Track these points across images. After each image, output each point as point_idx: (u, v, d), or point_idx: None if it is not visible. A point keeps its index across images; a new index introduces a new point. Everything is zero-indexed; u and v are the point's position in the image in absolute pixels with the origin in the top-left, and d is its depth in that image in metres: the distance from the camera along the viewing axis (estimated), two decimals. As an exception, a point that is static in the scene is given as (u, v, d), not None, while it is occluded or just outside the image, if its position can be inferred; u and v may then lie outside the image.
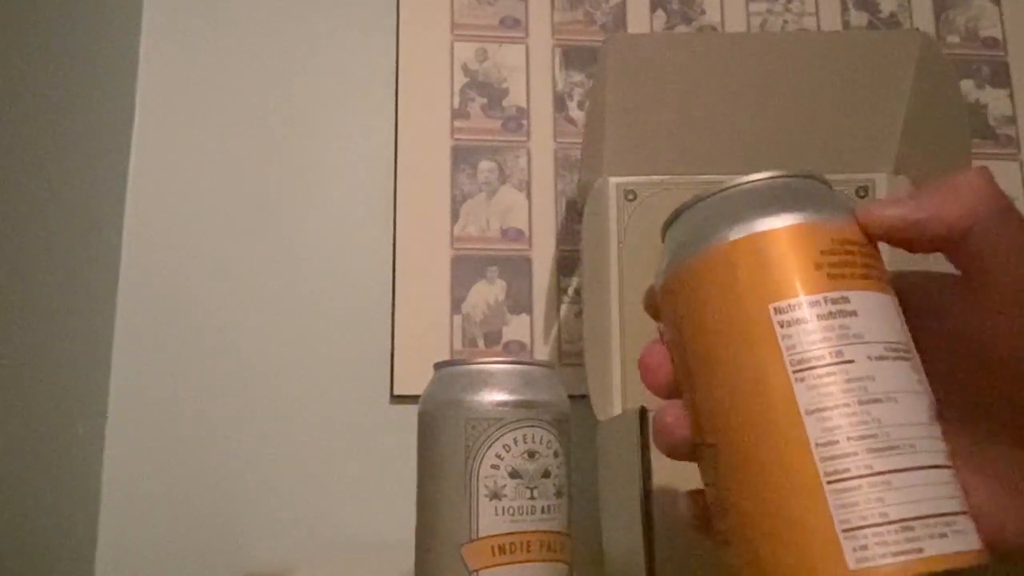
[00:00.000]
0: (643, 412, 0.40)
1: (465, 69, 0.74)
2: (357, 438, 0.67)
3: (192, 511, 0.65)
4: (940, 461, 0.22)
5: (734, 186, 0.26)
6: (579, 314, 0.70)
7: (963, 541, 0.21)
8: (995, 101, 0.77)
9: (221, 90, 0.73)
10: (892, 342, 0.23)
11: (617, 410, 0.50)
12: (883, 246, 0.26)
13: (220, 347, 0.68)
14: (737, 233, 0.24)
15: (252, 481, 0.66)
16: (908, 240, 0.25)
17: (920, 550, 0.21)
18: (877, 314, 0.23)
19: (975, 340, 0.25)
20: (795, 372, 0.23)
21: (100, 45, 0.66)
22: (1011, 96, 0.77)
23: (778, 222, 0.24)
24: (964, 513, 0.22)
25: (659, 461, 0.42)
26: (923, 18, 0.79)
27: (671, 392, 0.27)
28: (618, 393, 0.50)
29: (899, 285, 0.25)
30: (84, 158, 0.62)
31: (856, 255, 0.24)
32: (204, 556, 0.64)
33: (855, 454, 0.21)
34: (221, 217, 0.70)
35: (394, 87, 0.73)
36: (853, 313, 0.23)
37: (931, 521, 0.21)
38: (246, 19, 0.74)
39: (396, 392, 0.68)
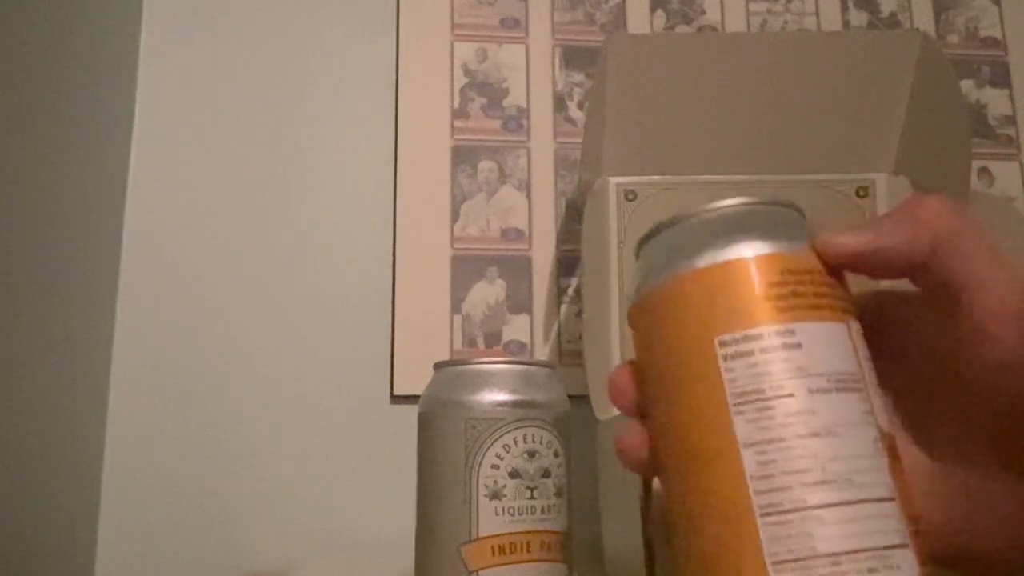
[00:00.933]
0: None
1: (465, 69, 0.74)
2: (357, 438, 0.67)
3: (192, 511, 0.65)
4: (879, 494, 0.22)
5: (695, 214, 0.26)
6: (579, 314, 0.70)
7: None
8: (995, 101, 0.77)
9: (221, 90, 0.73)
10: (838, 373, 0.23)
11: (617, 410, 0.50)
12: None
13: (220, 347, 0.68)
14: (691, 265, 0.25)
15: (252, 481, 0.66)
16: (869, 268, 0.25)
17: None
18: (824, 346, 0.23)
19: (955, 358, 0.25)
20: (735, 405, 0.23)
21: (100, 45, 0.66)
22: (1011, 96, 0.77)
23: (730, 254, 0.24)
24: (902, 546, 0.21)
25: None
26: (923, 18, 0.79)
27: (637, 412, 0.27)
28: (618, 393, 0.50)
29: (877, 303, 0.26)
30: (84, 157, 0.62)
31: (808, 285, 0.24)
32: (204, 556, 0.64)
33: (789, 488, 0.22)
34: (221, 217, 0.70)
35: (394, 87, 0.73)
36: (797, 346, 0.23)
37: (861, 555, 0.21)
38: (246, 19, 0.74)
39: (396, 392, 0.68)
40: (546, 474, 0.36)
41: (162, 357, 0.67)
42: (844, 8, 0.78)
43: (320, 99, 0.73)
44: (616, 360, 0.51)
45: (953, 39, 0.78)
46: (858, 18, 0.78)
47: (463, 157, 0.72)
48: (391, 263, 0.70)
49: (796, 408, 0.22)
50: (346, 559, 0.58)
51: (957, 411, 0.25)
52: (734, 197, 0.26)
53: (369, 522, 0.66)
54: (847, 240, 0.25)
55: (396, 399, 0.68)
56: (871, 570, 0.21)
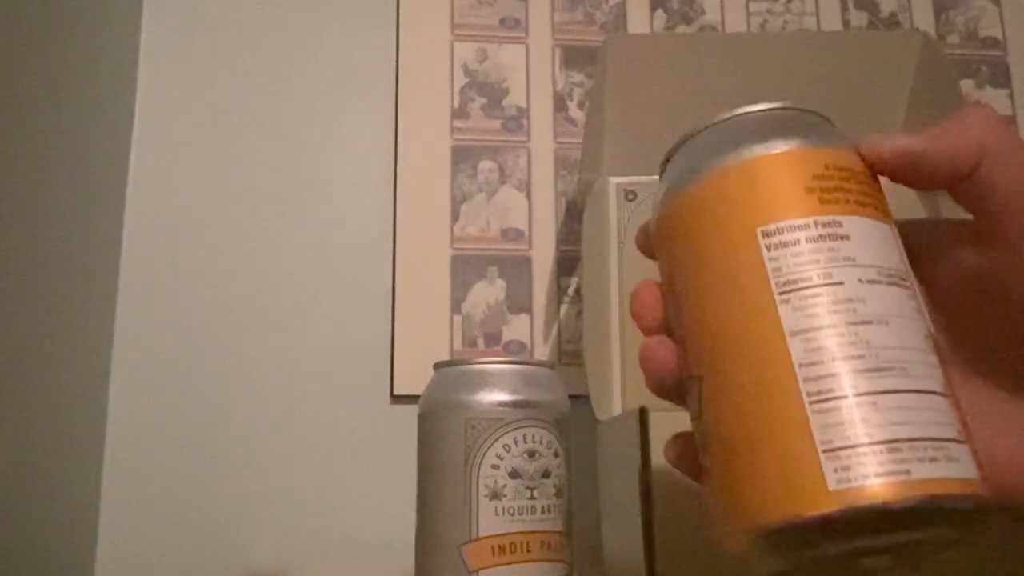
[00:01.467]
0: (643, 412, 0.40)
1: (465, 69, 0.74)
2: (357, 438, 0.67)
3: (192, 511, 0.65)
4: (935, 387, 0.21)
5: (729, 118, 0.26)
6: (579, 314, 0.70)
7: (956, 468, 0.20)
8: (995, 101, 0.77)
9: (221, 91, 0.73)
10: (887, 267, 0.22)
11: (617, 410, 0.50)
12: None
13: (220, 347, 0.68)
14: (727, 161, 0.24)
15: (252, 481, 0.66)
16: (913, 173, 0.24)
17: (907, 472, 0.20)
18: (871, 240, 0.23)
19: (992, 282, 0.24)
20: (780, 294, 0.22)
21: (100, 45, 0.66)
22: (1011, 96, 0.77)
23: (770, 149, 0.24)
24: (960, 442, 0.20)
25: (659, 461, 0.42)
26: (923, 18, 0.79)
27: (662, 331, 0.26)
28: (618, 393, 0.50)
29: (907, 232, 0.25)
30: (84, 157, 0.62)
31: (852, 182, 0.23)
32: (204, 556, 0.64)
33: (840, 374, 0.21)
34: (221, 217, 0.70)
35: (394, 87, 0.73)
36: (845, 237, 0.22)
37: (920, 444, 0.20)
38: (246, 20, 0.74)
39: (396, 392, 0.68)
40: (546, 474, 0.36)
41: (162, 357, 0.67)
42: (844, 8, 0.78)
43: (320, 99, 0.73)
44: (616, 360, 0.51)
45: (953, 39, 0.78)
46: (858, 18, 0.78)
47: (463, 157, 0.72)
48: (391, 263, 0.70)
49: (846, 295, 0.22)
50: (346, 559, 0.58)
51: (998, 338, 0.24)
52: (767, 102, 0.25)
53: (369, 522, 0.66)
54: (897, 142, 0.24)
55: (396, 399, 0.68)
56: (931, 459, 0.20)
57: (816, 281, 0.22)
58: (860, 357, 0.21)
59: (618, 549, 0.47)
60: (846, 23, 0.78)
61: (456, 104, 0.73)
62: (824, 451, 0.20)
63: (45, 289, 0.56)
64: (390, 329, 0.69)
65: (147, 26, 0.73)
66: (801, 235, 0.23)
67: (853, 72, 0.55)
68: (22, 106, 0.52)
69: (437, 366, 0.39)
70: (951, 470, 0.20)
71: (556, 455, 0.37)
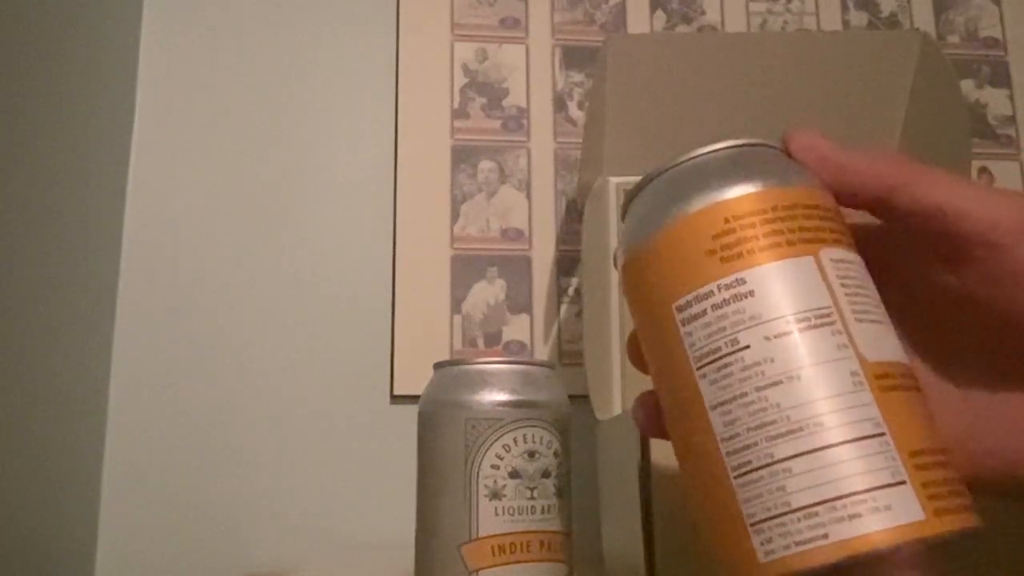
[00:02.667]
0: (643, 412, 0.40)
1: (465, 69, 0.74)
2: (357, 438, 0.67)
3: (192, 511, 0.65)
4: (857, 433, 0.20)
5: (646, 181, 0.26)
6: (579, 314, 0.70)
7: (884, 518, 0.19)
8: (995, 101, 0.77)
9: (221, 91, 0.73)
10: (799, 312, 0.21)
11: (617, 410, 0.50)
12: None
13: (220, 347, 0.68)
14: (646, 233, 0.24)
15: (252, 481, 0.66)
16: (837, 180, 0.24)
17: (825, 536, 0.19)
18: (781, 286, 0.22)
19: (949, 278, 0.24)
20: (698, 369, 0.22)
21: (100, 45, 0.66)
22: (1011, 96, 0.77)
23: (674, 216, 0.23)
24: (895, 484, 0.20)
25: (659, 461, 0.42)
26: (923, 18, 0.79)
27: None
28: (618, 393, 0.50)
29: (865, 235, 0.25)
30: (84, 157, 0.62)
31: (757, 227, 0.22)
32: (204, 556, 0.64)
33: (756, 444, 0.21)
34: (221, 217, 0.70)
35: (394, 87, 0.73)
36: (749, 294, 0.22)
37: (839, 503, 0.19)
38: (246, 20, 0.74)
39: (396, 392, 0.68)
40: (546, 474, 0.36)
41: (162, 357, 0.67)
42: (844, 8, 0.78)
43: (320, 99, 0.73)
44: (616, 360, 0.51)
45: (953, 39, 0.78)
46: (858, 18, 0.78)
47: (463, 157, 0.72)
48: (391, 263, 0.70)
49: (753, 359, 0.21)
50: (346, 559, 0.58)
51: (970, 330, 0.24)
52: (685, 154, 0.25)
53: (369, 522, 0.66)
54: (822, 144, 0.25)
55: (396, 399, 0.68)
56: (853, 516, 0.19)
57: (724, 350, 0.22)
58: (772, 423, 0.21)
59: (618, 549, 0.47)
60: (846, 23, 0.78)
61: (456, 104, 0.73)
62: (751, 524, 0.20)
63: (45, 289, 0.56)
64: (390, 329, 0.69)
65: (147, 26, 0.73)
66: (707, 304, 0.22)
67: (853, 72, 0.55)
68: (22, 106, 0.52)
69: (437, 366, 0.39)
70: (877, 522, 0.19)
71: (556, 455, 0.36)
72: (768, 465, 0.20)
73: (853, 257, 0.23)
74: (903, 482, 0.20)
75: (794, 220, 0.23)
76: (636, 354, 0.27)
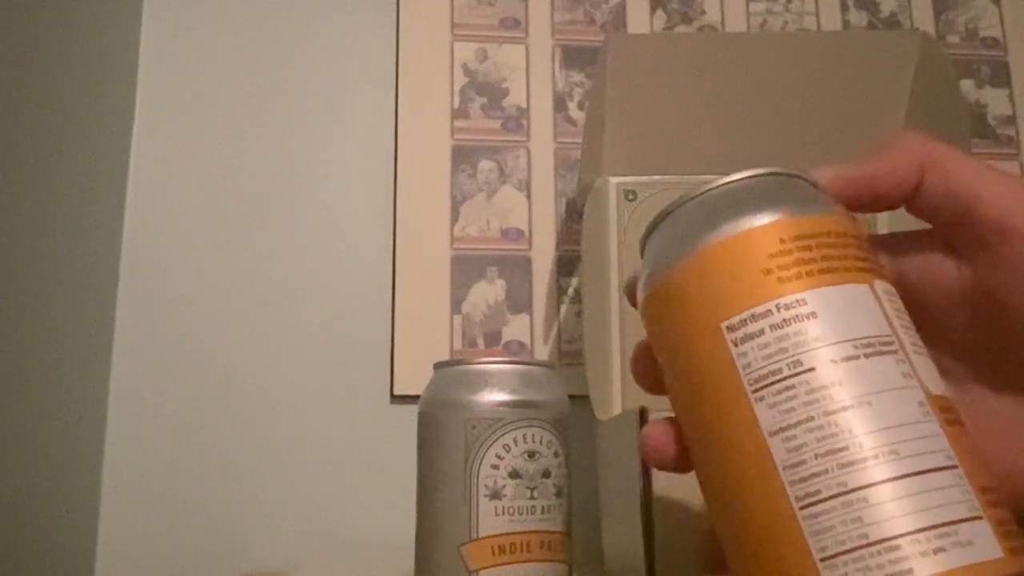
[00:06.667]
0: (643, 412, 0.40)
1: (465, 69, 0.74)
2: (357, 438, 0.67)
3: (192, 511, 0.65)
4: (934, 464, 0.19)
5: (687, 199, 0.24)
6: (579, 314, 0.70)
7: (967, 554, 0.18)
8: (995, 101, 0.77)
9: (221, 91, 0.73)
10: (864, 337, 0.21)
11: (617, 410, 0.50)
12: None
13: (220, 347, 0.68)
14: (685, 254, 0.23)
15: (252, 481, 0.66)
16: (861, 198, 0.24)
17: (909, 571, 0.18)
18: (843, 310, 0.21)
19: (976, 288, 0.24)
20: (754, 392, 0.21)
21: (100, 45, 0.66)
22: (1011, 96, 0.77)
23: (721, 234, 0.23)
24: (973, 519, 0.19)
25: (659, 461, 0.42)
26: (923, 18, 0.79)
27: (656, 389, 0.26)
28: (618, 393, 0.50)
29: (883, 247, 0.25)
30: (84, 157, 0.62)
31: (814, 249, 0.22)
32: (204, 556, 0.64)
33: (826, 472, 0.19)
34: (221, 217, 0.70)
35: (394, 87, 0.73)
36: (812, 315, 0.21)
37: (922, 536, 0.18)
38: (246, 20, 0.74)
39: (396, 392, 0.68)
40: (546, 474, 0.36)
41: (162, 357, 0.67)
42: (844, 8, 0.78)
43: (320, 99, 0.73)
44: (616, 360, 0.51)
45: (953, 39, 0.78)
46: (858, 18, 0.78)
47: (463, 157, 0.72)
48: (391, 263, 0.70)
49: (819, 382, 0.20)
50: (346, 559, 0.58)
51: (997, 343, 0.24)
52: (726, 175, 0.24)
53: (369, 522, 0.66)
54: (835, 170, 0.24)
55: (396, 399, 0.68)
56: (937, 550, 0.18)
57: (786, 372, 0.20)
58: (844, 449, 0.19)
59: (618, 549, 0.47)
60: (846, 23, 0.78)
61: (456, 104, 0.73)
62: (821, 559, 0.19)
63: (45, 289, 0.56)
64: (390, 329, 0.69)
65: (147, 26, 0.73)
66: (764, 324, 0.21)
67: (853, 72, 0.55)
68: (22, 106, 0.52)
69: (437, 366, 0.39)
70: (960, 558, 0.18)
71: (556, 455, 0.36)
72: (841, 495, 0.19)
73: (896, 292, 0.23)
74: (980, 517, 0.19)
75: (847, 248, 0.22)
76: (644, 373, 0.26)
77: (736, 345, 0.21)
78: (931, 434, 0.19)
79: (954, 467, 0.19)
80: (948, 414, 0.20)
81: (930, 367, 0.21)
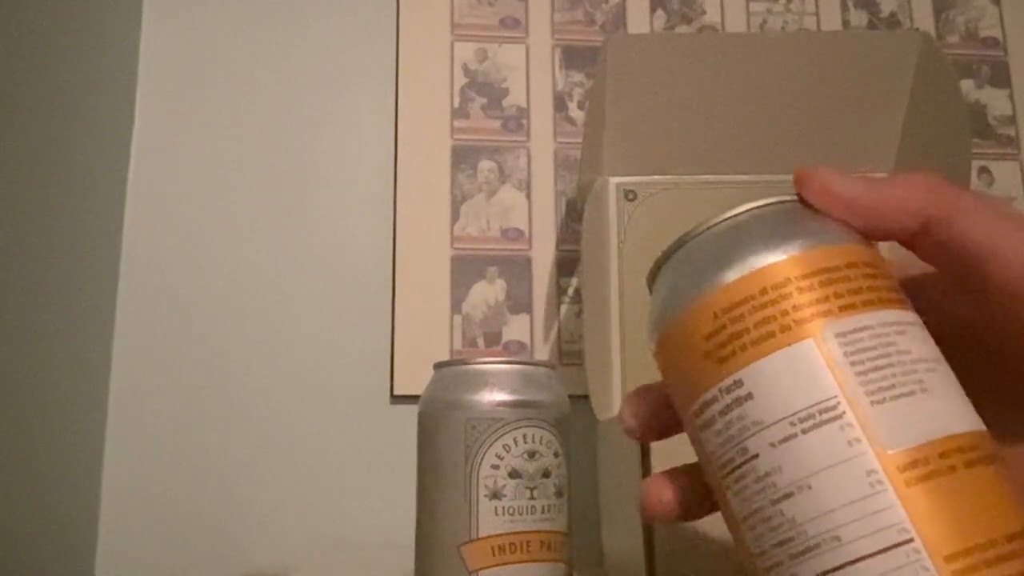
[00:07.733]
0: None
1: (465, 69, 0.74)
2: (357, 438, 0.67)
3: (192, 511, 0.65)
4: (880, 545, 0.18)
5: (653, 277, 0.24)
6: (579, 314, 0.70)
7: None
8: (995, 101, 0.77)
9: (221, 91, 0.73)
10: (801, 410, 0.19)
11: (617, 410, 0.50)
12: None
13: (220, 347, 0.68)
14: (652, 339, 0.23)
15: (252, 481, 0.66)
16: (864, 222, 0.22)
17: None
18: (778, 382, 0.20)
19: (979, 326, 0.22)
20: (723, 479, 0.21)
21: (100, 45, 0.66)
22: (1011, 96, 0.77)
23: (672, 317, 0.22)
24: None
25: (659, 461, 0.42)
26: (923, 18, 0.79)
27: (648, 434, 0.26)
28: (618, 393, 0.50)
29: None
30: (84, 158, 0.62)
31: (747, 316, 0.20)
32: (204, 556, 0.64)
33: (781, 563, 0.19)
34: (221, 217, 0.70)
35: (394, 87, 0.73)
36: (748, 397, 0.20)
37: None
38: (246, 20, 0.74)
39: (396, 392, 0.68)
40: (546, 474, 0.36)
41: (162, 357, 0.67)
42: (844, 8, 0.78)
43: (320, 99, 0.73)
44: (616, 360, 0.51)
45: (953, 39, 0.78)
46: (858, 18, 0.78)
47: (463, 157, 0.72)
48: (391, 263, 0.70)
49: (763, 469, 0.19)
50: (346, 559, 0.58)
51: (1000, 385, 0.23)
52: (673, 242, 0.23)
53: (369, 522, 0.66)
54: (845, 187, 0.22)
55: (396, 399, 0.68)
56: None
57: (738, 460, 0.20)
58: (791, 540, 0.19)
59: (618, 549, 0.47)
60: (846, 23, 0.78)
61: (456, 104, 0.73)
62: None
63: (45, 289, 0.56)
64: (390, 329, 0.69)
65: (147, 26, 0.73)
66: (714, 411, 0.21)
67: (853, 72, 0.55)
68: (22, 106, 0.52)
69: (437, 366, 0.39)
70: None
71: (556, 455, 0.36)
72: None
73: (877, 318, 0.20)
74: None
75: (786, 300, 0.20)
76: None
77: (701, 432, 0.21)
78: (881, 507, 0.18)
79: (907, 541, 0.18)
80: (914, 470, 0.18)
81: (898, 414, 0.19)
